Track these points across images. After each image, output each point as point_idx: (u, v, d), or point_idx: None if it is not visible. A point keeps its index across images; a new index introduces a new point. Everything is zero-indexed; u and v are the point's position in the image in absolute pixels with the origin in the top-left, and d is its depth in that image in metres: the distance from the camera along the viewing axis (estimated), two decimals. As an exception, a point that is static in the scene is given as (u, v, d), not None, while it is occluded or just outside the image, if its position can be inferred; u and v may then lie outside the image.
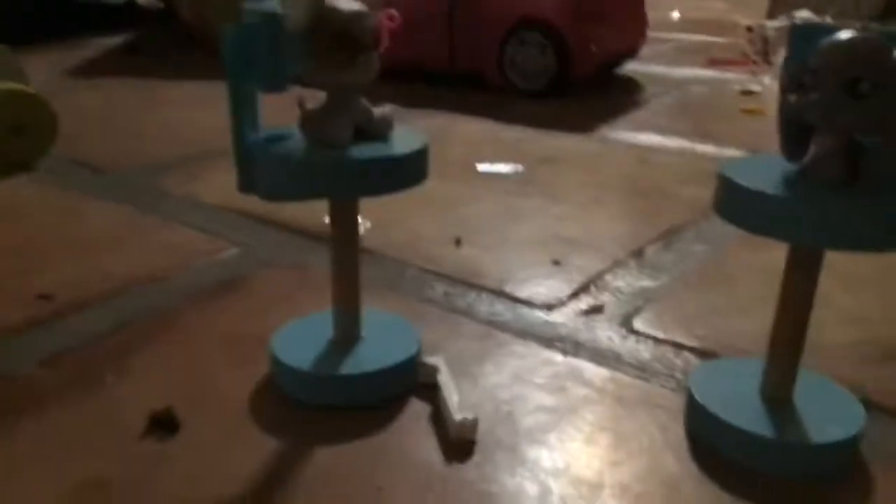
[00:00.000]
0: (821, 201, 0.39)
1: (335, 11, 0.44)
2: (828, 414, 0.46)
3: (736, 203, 0.41)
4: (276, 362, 0.50)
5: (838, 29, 0.40)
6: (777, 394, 0.47)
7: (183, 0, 1.73)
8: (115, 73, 1.55)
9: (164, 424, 0.48)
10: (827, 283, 0.66)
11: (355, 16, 0.44)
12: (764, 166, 0.43)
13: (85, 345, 0.57)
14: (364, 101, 0.47)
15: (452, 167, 0.98)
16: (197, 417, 0.48)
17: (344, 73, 0.45)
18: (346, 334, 0.51)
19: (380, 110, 0.48)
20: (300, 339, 0.51)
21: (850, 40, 0.38)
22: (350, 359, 0.49)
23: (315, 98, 0.47)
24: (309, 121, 0.46)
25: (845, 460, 0.44)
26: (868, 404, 0.50)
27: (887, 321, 0.61)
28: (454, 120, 1.22)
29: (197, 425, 0.48)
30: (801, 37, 0.41)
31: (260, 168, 0.45)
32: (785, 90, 0.41)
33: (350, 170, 0.44)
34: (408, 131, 0.49)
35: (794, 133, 0.42)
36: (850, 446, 0.44)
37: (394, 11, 0.46)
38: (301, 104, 0.47)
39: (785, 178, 0.41)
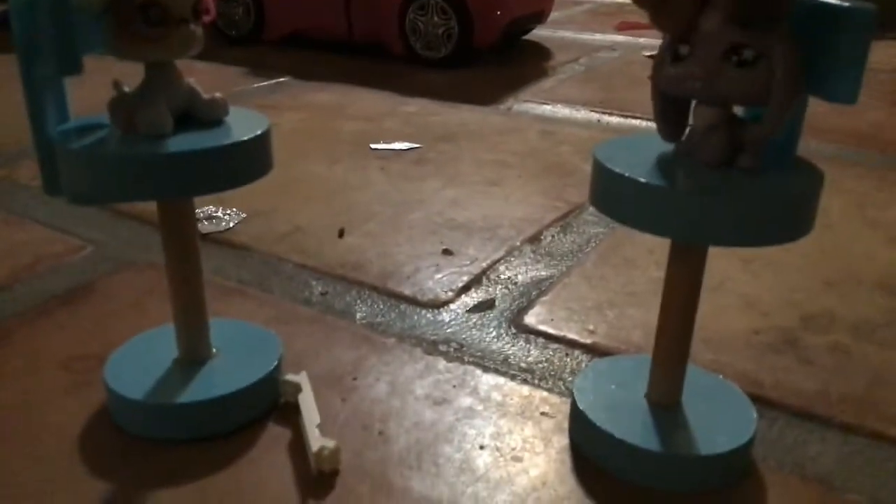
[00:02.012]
0: (702, 193, 0.34)
1: None
2: (717, 420, 0.42)
3: (607, 191, 0.37)
4: (109, 392, 0.43)
5: None
6: (664, 398, 0.43)
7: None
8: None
9: (-26, 470, 0.41)
10: (726, 265, 0.63)
11: None
12: (643, 147, 0.39)
13: None
14: (188, 82, 0.41)
15: (344, 147, 0.91)
16: (16, 458, 0.42)
17: (154, 48, 0.38)
18: (192, 352, 0.45)
19: (210, 94, 0.41)
20: (138, 361, 0.45)
21: (728, 4, 0.34)
22: (194, 383, 0.43)
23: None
24: (119, 107, 0.39)
25: (735, 469, 0.41)
26: (763, 402, 0.47)
27: (786, 305, 0.58)
28: (351, 93, 1.15)
29: (15, 469, 0.41)
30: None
31: (62, 166, 0.37)
32: (659, 63, 0.36)
33: (167, 165, 0.37)
34: (246, 114, 0.42)
35: (671, 109, 0.37)
36: (739, 455, 0.41)
37: None
38: (116, 87, 0.40)
39: (662, 162, 0.37)
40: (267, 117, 0.43)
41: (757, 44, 0.33)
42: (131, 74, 0.41)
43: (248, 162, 0.39)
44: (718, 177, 0.35)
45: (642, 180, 0.34)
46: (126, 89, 0.40)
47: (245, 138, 0.38)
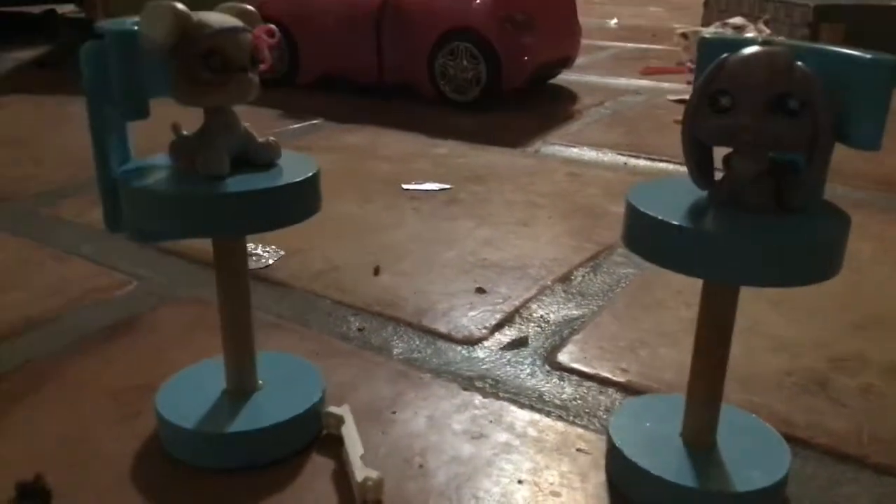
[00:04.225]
0: (752, 234, 0.35)
1: (203, 27, 0.39)
2: (752, 457, 0.43)
3: (647, 236, 0.38)
4: (160, 420, 0.45)
5: (745, 43, 0.37)
6: (698, 437, 0.44)
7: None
8: (24, 90, 1.47)
9: (33, 496, 0.42)
10: (756, 307, 0.64)
11: (226, 32, 0.40)
12: (673, 191, 0.40)
13: (-46, 401, 0.51)
14: (244, 126, 0.43)
15: (376, 187, 0.94)
16: (72, 485, 0.43)
17: (215, 94, 0.40)
18: (240, 384, 0.46)
19: (264, 137, 0.44)
20: (189, 392, 0.46)
21: (767, 55, 0.36)
22: (242, 413, 0.45)
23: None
24: (179, 149, 0.41)
25: (771, 507, 0.42)
26: (795, 441, 0.47)
27: (817, 347, 0.59)
28: (382, 134, 1.18)
29: (72, 494, 0.43)
30: (712, 52, 0.38)
31: (126, 204, 0.40)
32: (693, 113, 0.38)
33: (228, 204, 0.39)
34: (297, 157, 0.44)
35: (703, 157, 0.39)
36: (774, 493, 0.41)
37: (272, 27, 0.42)
38: (175, 130, 0.42)
39: (696, 206, 0.38)
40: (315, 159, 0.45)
41: (800, 92, 0.34)
42: (183, 117, 0.44)
43: (302, 201, 0.41)
44: (752, 220, 0.37)
45: (681, 224, 0.36)
46: (185, 132, 0.43)
47: (299, 179, 0.40)
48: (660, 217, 0.37)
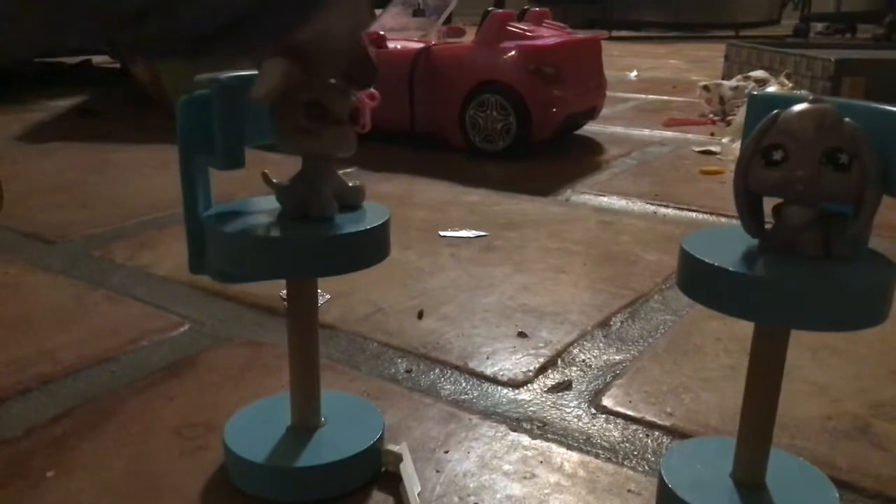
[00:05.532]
0: (808, 280, 0.37)
1: (310, 81, 0.43)
2: (801, 498, 0.44)
3: (707, 283, 0.40)
4: (229, 454, 0.47)
5: (794, 100, 0.40)
6: (749, 477, 0.45)
7: (137, 60, 1.72)
8: (67, 137, 1.52)
9: (105, 526, 0.44)
10: (794, 353, 0.65)
11: (329, 87, 0.43)
12: (726, 239, 0.42)
13: (23, 435, 0.53)
14: (337, 172, 0.46)
15: (413, 234, 0.96)
16: (142, 517, 0.45)
17: (312, 142, 0.43)
18: (305, 420, 0.48)
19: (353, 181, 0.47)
20: (255, 428, 0.48)
21: (819, 112, 0.38)
22: (309, 448, 0.46)
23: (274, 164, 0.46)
24: (288, 194, 0.44)
25: (823, 549, 0.43)
26: (840, 484, 0.48)
27: (856, 393, 0.60)
28: (415, 183, 1.21)
29: (141, 526, 0.45)
30: (761, 108, 0.41)
31: (213, 247, 0.42)
32: (746, 165, 0.40)
33: (316, 247, 0.42)
34: (368, 203, 0.47)
35: (755, 207, 0.41)
36: (827, 535, 0.42)
37: (374, 91, 0.45)
38: (268, 181, 0.45)
39: (751, 254, 0.40)
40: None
41: (849, 147, 0.37)
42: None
43: (382, 242, 0.44)
44: (804, 267, 0.39)
45: (738, 270, 0.38)
46: (274, 180, 0.46)
47: (381, 222, 0.43)
48: (716, 263, 0.39)
